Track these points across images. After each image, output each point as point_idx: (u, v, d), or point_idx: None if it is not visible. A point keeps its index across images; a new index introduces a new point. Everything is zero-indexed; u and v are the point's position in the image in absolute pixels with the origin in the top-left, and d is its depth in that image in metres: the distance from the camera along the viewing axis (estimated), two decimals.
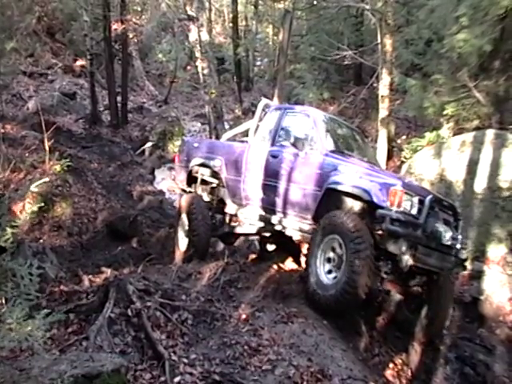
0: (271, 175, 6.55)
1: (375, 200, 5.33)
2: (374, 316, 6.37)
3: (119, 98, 16.60)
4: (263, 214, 6.71)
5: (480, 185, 7.92)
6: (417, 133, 12.81)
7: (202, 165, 7.59)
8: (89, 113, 16.16)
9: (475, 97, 10.92)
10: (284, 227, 6.44)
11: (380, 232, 5.28)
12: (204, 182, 7.66)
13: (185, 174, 7.93)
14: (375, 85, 13.46)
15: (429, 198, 5.43)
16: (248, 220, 7.06)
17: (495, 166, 7.88)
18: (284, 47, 14.70)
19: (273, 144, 6.76)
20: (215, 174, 7.41)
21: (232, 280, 6.06)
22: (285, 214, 6.39)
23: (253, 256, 7.05)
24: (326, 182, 5.81)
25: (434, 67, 12.68)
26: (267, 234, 7.37)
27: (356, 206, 5.67)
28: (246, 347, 4.57)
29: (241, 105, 20.84)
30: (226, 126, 15.21)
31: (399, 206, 5.20)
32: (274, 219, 6.53)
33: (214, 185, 7.54)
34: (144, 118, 17.90)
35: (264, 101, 7.52)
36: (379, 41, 11.89)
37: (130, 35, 18.54)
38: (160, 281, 5.64)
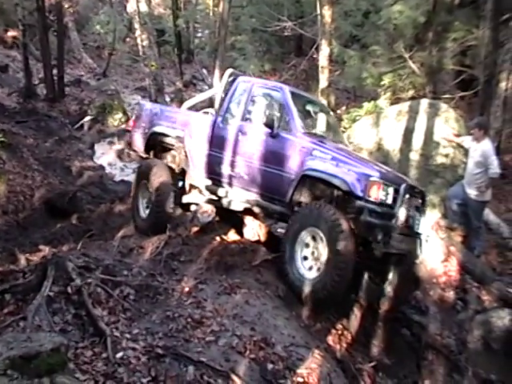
0: (240, 153, 6.40)
1: (353, 190, 5.36)
2: None
3: (55, 71, 15.94)
4: (229, 190, 6.60)
5: (415, 153, 8.18)
6: (356, 103, 13.06)
7: (164, 134, 7.34)
8: (23, 86, 15.52)
9: (410, 67, 11.23)
10: (252, 206, 6.36)
11: (356, 220, 5.33)
12: (164, 149, 7.46)
13: (143, 141, 7.61)
14: (315, 56, 13.53)
15: (403, 187, 5.54)
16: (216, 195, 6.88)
17: (429, 135, 8.14)
18: (224, 19, 14.51)
19: (242, 119, 6.56)
20: (178, 144, 7.18)
21: (175, 253, 6.03)
22: (256, 193, 6.31)
23: (196, 229, 7.01)
24: (301, 168, 5.76)
25: (372, 38, 12.92)
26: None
27: (332, 193, 5.68)
28: (189, 320, 4.58)
29: (182, 77, 20.48)
30: (167, 99, 14.98)
31: (376, 197, 5.29)
32: (247, 197, 6.41)
33: (176, 153, 7.32)
34: (82, 91, 17.30)
35: (230, 70, 7.26)
36: (318, 12, 11.90)
37: (66, 5, 17.71)
38: (101, 257, 5.56)
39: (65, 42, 18.22)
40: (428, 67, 11.24)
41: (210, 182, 6.84)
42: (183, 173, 7.21)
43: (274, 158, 6.09)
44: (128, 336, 4.22)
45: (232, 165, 6.49)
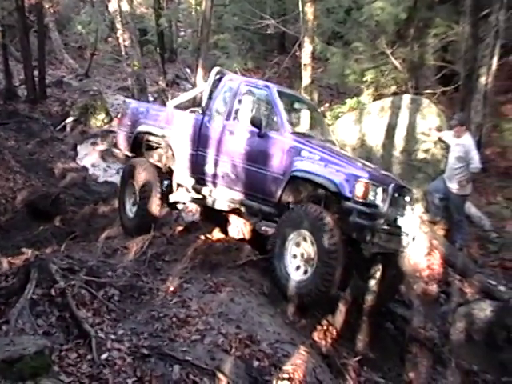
0: (228, 153, 6.35)
1: (342, 191, 5.34)
2: None
3: (36, 72, 15.81)
4: (215, 189, 6.55)
5: (398, 148, 8.26)
6: (339, 100, 13.09)
7: (149, 133, 7.26)
8: (3, 88, 15.41)
9: (393, 63, 11.31)
10: (242, 206, 6.32)
11: (344, 221, 5.33)
12: (150, 147, 7.39)
13: (128, 140, 7.53)
14: (298, 53, 13.55)
15: (391, 187, 5.54)
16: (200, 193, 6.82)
17: (411, 130, 8.23)
18: (207, 17, 14.43)
19: (228, 118, 6.50)
20: (164, 143, 7.12)
21: (159, 253, 6.03)
22: (243, 193, 6.27)
23: (180, 228, 7.00)
24: (289, 168, 5.73)
25: (354, 35, 13.00)
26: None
27: (320, 193, 5.66)
28: (174, 319, 4.57)
29: (165, 76, 20.37)
30: (150, 99, 14.91)
31: (365, 198, 5.26)
32: (233, 197, 6.37)
33: (162, 152, 7.26)
34: (64, 92, 17.17)
35: (217, 69, 7.20)
36: (301, 10, 11.93)
37: (46, 5, 17.51)
38: (85, 258, 5.53)
39: (46, 42, 18.07)
40: (410, 63, 11.34)
41: (195, 181, 6.79)
42: (170, 172, 7.15)
43: (261, 157, 6.05)
44: (113, 337, 4.20)
45: (218, 164, 6.44)
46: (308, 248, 5.40)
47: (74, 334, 4.14)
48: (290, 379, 4.12)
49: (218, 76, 7.01)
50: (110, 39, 23.91)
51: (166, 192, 7.12)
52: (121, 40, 13.22)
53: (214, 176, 6.52)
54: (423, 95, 9.99)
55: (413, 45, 11.20)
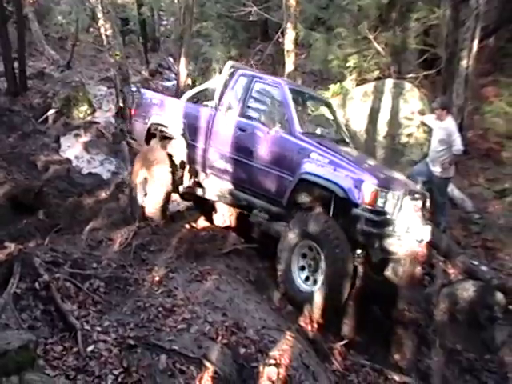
0: (239, 149, 6.26)
1: (350, 197, 5.24)
2: None
3: (16, 64, 15.52)
4: (231, 188, 6.48)
5: (381, 132, 8.30)
6: (323, 86, 13.06)
7: (163, 125, 7.18)
8: None
9: (375, 48, 11.32)
10: (250, 204, 6.28)
11: (352, 227, 5.26)
12: (164, 138, 7.31)
13: (143, 130, 7.43)
14: (281, 40, 13.48)
15: (402, 192, 5.42)
16: (211, 189, 6.78)
17: (394, 114, 8.27)
18: (189, 5, 14.32)
19: (240, 115, 6.41)
20: (177, 135, 7.00)
21: (144, 243, 6.01)
22: (253, 192, 6.20)
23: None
24: (298, 170, 5.64)
25: (337, 20, 12.99)
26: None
27: (329, 197, 5.52)
28: (160, 309, 4.57)
29: (148, 66, 20.23)
30: (133, 89, 14.77)
31: (374, 204, 5.16)
32: (242, 195, 6.32)
33: (176, 144, 7.13)
34: (45, 84, 16.86)
35: (230, 63, 7.06)
36: None
37: None
38: (69, 251, 5.48)
39: (25, 33, 17.67)
40: (392, 47, 11.37)
41: (206, 176, 6.72)
42: (183, 163, 7.07)
43: (271, 157, 5.96)
44: (99, 329, 4.19)
45: (229, 161, 6.37)
46: (316, 257, 5.33)
47: (59, 328, 4.13)
48: (276, 365, 4.15)
49: (231, 70, 6.89)
50: (91, 29, 23.57)
51: (178, 182, 7.04)
52: (102, 30, 13.08)
53: (224, 172, 6.46)
54: (406, 79, 10.04)
55: (395, 29, 11.23)
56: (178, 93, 13.05)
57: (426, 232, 5.75)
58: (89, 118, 14.51)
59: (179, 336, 4.24)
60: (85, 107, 14.94)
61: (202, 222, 6.73)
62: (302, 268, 5.50)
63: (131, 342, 4.05)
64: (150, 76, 19.11)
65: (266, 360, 4.19)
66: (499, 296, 6.06)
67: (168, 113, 7.21)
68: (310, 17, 14.74)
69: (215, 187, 6.63)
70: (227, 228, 6.71)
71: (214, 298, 4.87)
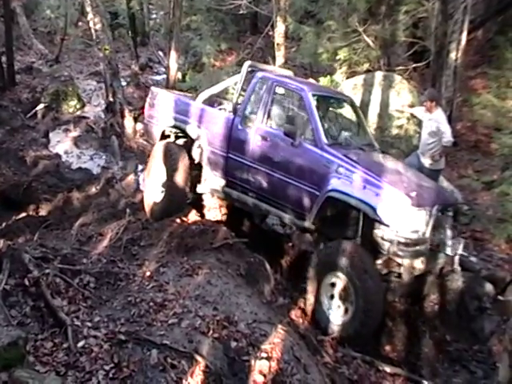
0: (260, 159, 6.01)
1: (382, 219, 5.03)
2: (278, 260, 6.64)
3: (4, 59, 15.41)
4: (253, 199, 6.25)
5: (371, 125, 8.31)
6: (313, 79, 13.06)
7: (179, 128, 6.98)
8: None
9: (365, 41, 11.33)
10: (273, 216, 6.18)
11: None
12: (178, 138, 7.13)
13: (158, 132, 7.19)
14: (271, 33, 13.46)
15: (435, 209, 5.16)
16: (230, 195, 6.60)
17: (384, 107, 8.29)
18: None
19: (261, 122, 6.13)
20: (194, 137, 6.81)
21: (135, 238, 5.99)
22: (275, 203, 6.00)
23: None
24: (325, 186, 5.39)
25: (327, 14, 12.96)
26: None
27: (358, 215, 5.35)
28: (151, 304, 4.56)
29: (137, 60, 20.07)
30: (123, 83, 14.69)
31: (407, 225, 4.99)
32: (264, 207, 6.13)
33: (193, 146, 6.91)
34: (34, 78, 16.75)
35: (248, 62, 6.72)
36: None
37: None
38: (59, 246, 5.48)
39: (13, 27, 17.55)
40: (382, 40, 11.40)
41: (225, 183, 6.55)
42: (200, 164, 6.86)
43: (297, 169, 5.70)
44: (89, 324, 4.18)
45: (250, 171, 6.14)
46: (345, 288, 5.18)
47: (49, 323, 4.11)
48: (267, 358, 4.15)
49: (249, 69, 6.62)
50: (80, 23, 23.34)
51: (195, 180, 6.87)
52: (91, 24, 12.98)
53: (246, 182, 6.24)
54: (395, 72, 10.07)
55: (384, 22, 11.25)
56: (167, 87, 12.99)
57: (457, 246, 5.54)
58: (78, 113, 14.46)
59: (170, 331, 4.23)
60: (74, 102, 14.88)
61: (192, 216, 6.69)
62: (331, 297, 5.34)
63: (122, 337, 4.04)
64: (139, 70, 18.97)
65: (258, 353, 4.19)
66: (488, 286, 6.10)
67: (183, 116, 6.95)
68: (299, 10, 14.70)
69: (234, 193, 6.45)
70: (218, 222, 6.69)
71: (205, 292, 4.85)
